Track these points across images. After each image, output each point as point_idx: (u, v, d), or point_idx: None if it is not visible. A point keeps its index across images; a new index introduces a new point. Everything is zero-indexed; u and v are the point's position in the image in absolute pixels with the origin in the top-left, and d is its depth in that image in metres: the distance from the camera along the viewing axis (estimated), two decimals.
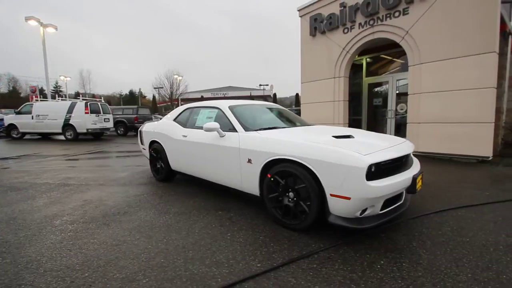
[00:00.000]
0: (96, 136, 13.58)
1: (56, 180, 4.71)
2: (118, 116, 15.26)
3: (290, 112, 4.24)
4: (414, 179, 2.37)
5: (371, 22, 6.68)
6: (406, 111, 7.41)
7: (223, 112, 3.41)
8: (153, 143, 4.57)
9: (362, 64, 8.39)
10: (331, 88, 7.81)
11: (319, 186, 2.29)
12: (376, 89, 8.29)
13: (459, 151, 5.53)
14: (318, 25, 7.86)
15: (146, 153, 4.87)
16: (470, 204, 3.10)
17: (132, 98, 56.09)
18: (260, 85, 47.89)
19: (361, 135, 2.87)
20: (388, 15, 6.33)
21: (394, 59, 8.02)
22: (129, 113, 15.58)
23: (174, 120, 4.24)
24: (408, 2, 5.91)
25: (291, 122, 3.71)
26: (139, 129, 5.09)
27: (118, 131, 15.46)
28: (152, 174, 4.71)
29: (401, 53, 7.06)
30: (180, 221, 2.80)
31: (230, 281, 1.77)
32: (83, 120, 11.85)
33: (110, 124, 13.45)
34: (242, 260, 2.03)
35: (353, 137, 2.68)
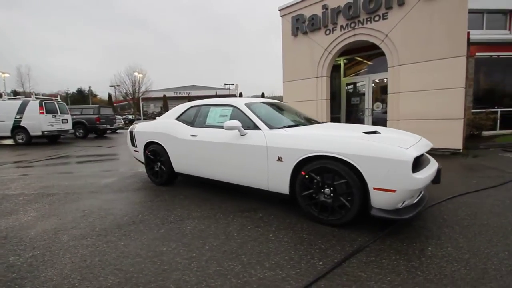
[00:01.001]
0: (52, 139, 12.09)
1: (31, 190, 4.08)
2: (76, 116, 13.78)
3: (296, 109, 4.26)
4: (439, 170, 2.57)
5: (353, 25, 7.06)
6: (382, 109, 8.00)
7: (241, 110, 3.29)
8: (150, 144, 4.22)
9: (340, 65, 8.81)
10: (313, 88, 8.06)
11: (361, 181, 2.34)
12: (353, 89, 8.78)
13: (434, 145, 6.11)
14: (300, 26, 8.05)
15: (139, 155, 4.49)
16: (467, 191, 3.46)
17: (82, 97, 50.93)
18: (225, 84, 47.41)
19: (385, 131, 3.01)
20: (368, 19, 6.74)
21: (366, 61, 8.59)
22: (90, 113, 14.18)
23: (177, 119, 3.97)
24: (388, 8, 6.37)
25: (305, 119, 3.74)
26: (129, 130, 4.66)
27: (77, 133, 13.98)
28: (149, 178, 4.36)
29: (377, 55, 7.59)
30: (210, 226, 2.63)
31: (305, 283, 1.71)
32: (37, 122, 10.46)
33: (68, 126, 12.10)
34: (301, 260, 1.99)
35: (379, 132, 2.80)
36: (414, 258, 1.98)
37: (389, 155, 2.21)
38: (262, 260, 1.99)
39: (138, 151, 4.51)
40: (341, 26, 7.27)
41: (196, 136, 3.53)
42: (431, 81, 5.95)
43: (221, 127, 3.38)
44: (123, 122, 20.02)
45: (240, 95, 46.95)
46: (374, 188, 2.28)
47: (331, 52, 7.62)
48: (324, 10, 7.48)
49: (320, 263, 1.95)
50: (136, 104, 25.93)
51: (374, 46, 7.21)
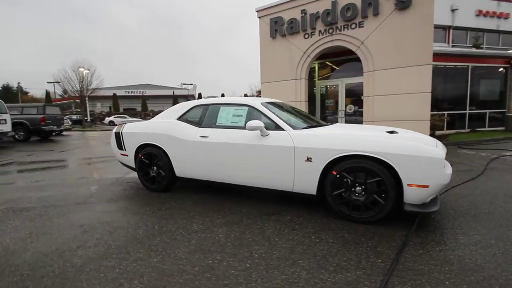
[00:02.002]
0: None
1: None
2: (15, 116, 11.78)
3: (298, 108, 4.28)
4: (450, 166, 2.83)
5: (331, 31, 7.42)
6: (354, 111, 8.57)
7: (258, 110, 3.18)
8: (143, 147, 3.81)
9: (315, 68, 9.18)
10: (292, 89, 8.25)
11: (395, 178, 2.45)
12: (327, 91, 9.22)
13: None
14: (279, 28, 8.16)
15: (129, 160, 4.02)
16: (455, 184, 3.88)
17: (8, 95, 43.56)
18: (184, 84, 45.58)
19: (401, 131, 3.19)
20: (346, 26, 7.16)
21: (334, 67, 9.13)
22: (32, 113, 12.27)
23: (179, 119, 3.65)
24: (363, 17, 6.85)
25: (314, 120, 3.78)
26: (116, 131, 4.14)
27: (17, 136, 11.96)
28: (143, 184, 3.93)
29: (352, 60, 8.11)
30: (244, 232, 2.47)
31: (379, 283, 1.71)
32: None
33: (7, 127, 10.30)
34: (360, 260, 1.98)
35: (397, 132, 2.97)
36: (455, 247, 2.13)
37: (425, 153, 2.35)
38: (323, 264, 1.94)
39: (127, 155, 4.03)
40: (320, 31, 7.58)
41: (207, 137, 3.30)
42: (403, 85, 6.57)
43: (236, 127, 3.24)
44: (70, 123, 17.70)
45: (199, 96, 45.64)
46: (408, 185, 2.40)
47: (309, 55, 7.89)
48: (303, 14, 7.71)
49: (379, 261, 1.97)
50: (83, 103, 23.20)
51: (349, 52, 7.69)
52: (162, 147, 3.61)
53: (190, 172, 3.50)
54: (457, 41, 13.18)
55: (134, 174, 4.79)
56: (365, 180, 2.55)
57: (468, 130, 10.18)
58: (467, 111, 10.32)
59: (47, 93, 41.69)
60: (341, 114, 8.64)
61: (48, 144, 10.98)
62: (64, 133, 16.45)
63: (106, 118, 34.38)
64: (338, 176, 2.63)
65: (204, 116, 3.51)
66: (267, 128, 3.00)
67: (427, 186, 2.36)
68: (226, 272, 1.86)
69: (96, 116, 37.80)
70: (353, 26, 7.06)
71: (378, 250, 2.12)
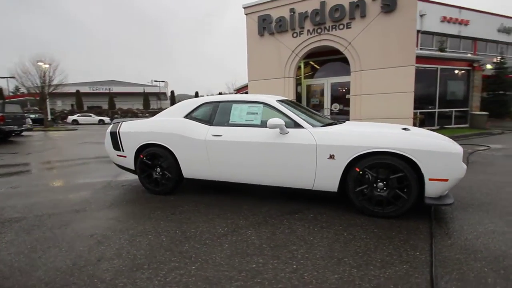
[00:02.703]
0: None
1: None
2: None
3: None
4: None
5: (319, 31, 7.56)
6: (339, 110, 8.85)
7: (275, 108, 3.12)
8: (146, 147, 3.56)
9: (300, 66, 9.31)
10: (281, 88, 8.28)
11: (417, 173, 2.55)
12: (313, 90, 9.41)
13: None
14: (268, 26, 8.14)
15: (127, 161, 3.74)
16: None
17: None
18: (155, 81, 43.66)
19: (411, 128, 3.31)
20: (334, 26, 7.35)
21: (316, 66, 9.37)
22: None
23: (186, 117, 3.46)
24: (351, 18, 7.08)
25: (325, 118, 3.81)
26: (111, 131, 3.81)
27: None
28: (145, 187, 3.67)
29: (337, 60, 8.35)
30: (275, 233, 2.41)
31: (428, 274, 1.76)
32: None
33: None
34: (402, 254, 2.02)
35: (409, 129, 3.10)
36: (477, 236, 2.26)
37: (446, 149, 2.48)
38: (368, 260, 1.95)
39: (125, 156, 3.74)
40: (308, 31, 7.70)
41: (220, 136, 3.17)
42: (388, 85, 6.91)
43: (251, 125, 3.15)
44: (31, 122, 15.99)
45: (172, 93, 43.97)
46: (430, 179, 2.51)
47: (298, 54, 7.98)
48: (292, 13, 7.77)
49: (417, 253, 2.03)
50: (44, 100, 21.13)
51: (334, 52, 7.91)
52: (169, 147, 3.40)
53: (200, 173, 3.34)
54: (424, 44, 14.23)
55: (128, 177, 4.49)
56: (388, 176, 2.62)
57: (437, 127, 11.03)
58: (437, 110, 11.18)
59: (0, 90, 37.45)
60: (326, 112, 8.87)
61: (9, 146, 9.86)
62: (24, 133, 14.89)
63: (69, 116, 31.81)
64: (361, 172, 2.68)
65: (215, 114, 3.36)
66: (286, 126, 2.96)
67: (446, 180, 2.49)
68: (276, 275, 1.79)
69: (57, 114, 34.84)
70: (341, 26, 7.26)
71: (412, 243, 2.18)
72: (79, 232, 2.50)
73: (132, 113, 38.06)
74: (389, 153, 2.59)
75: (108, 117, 33.33)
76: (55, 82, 20.29)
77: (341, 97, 8.76)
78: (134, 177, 4.45)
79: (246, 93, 18.59)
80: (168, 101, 45.04)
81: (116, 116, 35.82)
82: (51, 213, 2.98)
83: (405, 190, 2.58)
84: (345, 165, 2.71)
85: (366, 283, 1.69)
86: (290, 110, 3.10)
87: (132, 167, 3.73)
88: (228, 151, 3.13)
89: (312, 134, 2.84)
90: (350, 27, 7.18)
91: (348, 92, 8.36)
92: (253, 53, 8.60)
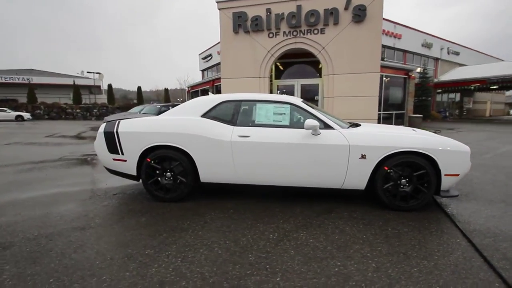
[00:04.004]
0: None
1: None
2: None
3: None
4: None
5: (294, 33, 7.81)
6: None
7: (302, 108, 3.12)
8: (153, 149, 3.16)
9: (272, 67, 9.45)
10: (256, 87, 8.29)
11: (436, 169, 2.89)
12: (283, 90, 9.67)
13: None
14: (243, 24, 8.03)
15: (127, 166, 3.26)
16: None
17: None
18: (88, 72, 38.26)
19: (417, 130, 3.69)
20: (309, 31, 7.68)
21: (281, 68, 9.72)
22: None
23: (204, 116, 3.19)
24: (325, 24, 7.52)
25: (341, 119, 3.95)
26: (106, 130, 3.25)
27: None
28: (151, 195, 3.25)
29: (309, 62, 8.76)
30: (328, 234, 2.43)
31: (481, 260, 2.03)
32: None
33: None
34: (449, 244, 2.27)
35: (415, 130, 3.47)
36: (488, 220, 2.70)
37: (459, 148, 2.87)
38: (428, 251, 2.12)
39: (124, 160, 3.25)
40: (284, 32, 7.87)
41: (248, 136, 3.02)
42: (356, 89, 7.58)
43: (279, 126, 3.10)
44: None
45: (110, 87, 39.15)
46: (445, 175, 2.88)
47: (273, 54, 8.09)
48: (268, 13, 7.83)
49: (458, 240, 2.31)
50: None
51: (306, 54, 8.29)
52: (185, 149, 3.09)
53: (223, 176, 3.13)
54: None
55: (111, 183, 3.94)
56: (411, 173, 2.90)
57: None
58: (382, 112, 12.74)
59: None
60: None
61: None
62: None
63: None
64: (389, 171, 2.90)
65: (238, 114, 3.18)
66: None
67: (458, 175, 2.90)
68: (365, 276, 1.82)
69: None
70: (316, 31, 7.65)
71: (448, 232, 2.47)
72: (107, 254, 2.08)
73: (58, 107, 32.67)
74: (414, 153, 2.86)
75: (28, 112, 28.08)
76: None
77: (310, 98, 9.22)
78: (121, 183, 3.93)
79: (206, 90, 17.97)
80: (104, 95, 40.16)
81: (38, 111, 30.47)
82: (48, 234, 2.40)
83: (425, 185, 2.90)
84: (375, 164, 2.89)
85: (444, 271, 1.86)
86: (317, 111, 3.15)
87: (133, 173, 3.27)
88: (258, 152, 3.01)
89: (344, 135, 2.95)
90: (324, 33, 7.62)
91: (316, 93, 8.86)
92: (227, 50, 8.37)
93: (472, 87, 20.20)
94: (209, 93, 4.01)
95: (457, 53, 22.15)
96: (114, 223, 2.65)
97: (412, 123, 12.86)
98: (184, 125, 3.12)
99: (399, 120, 13.50)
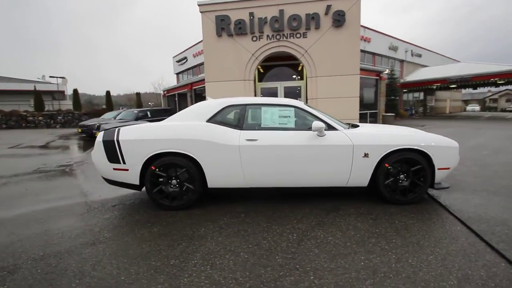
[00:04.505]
0: None
1: None
2: None
3: None
4: None
5: (278, 37, 7.97)
6: None
7: (306, 111, 3.23)
8: (156, 157, 3.07)
9: (255, 71, 9.53)
10: (241, 90, 8.32)
11: (430, 164, 3.13)
12: (267, 93, 9.79)
13: None
14: (226, 27, 8.03)
15: (129, 175, 3.14)
16: None
17: None
18: (51, 76, 35.39)
19: (410, 128, 3.95)
20: (291, 34, 7.89)
21: (261, 70, 9.90)
22: None
23: (209, 121, 3.16)
24: (307, 28, 7.77)
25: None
26: (105, 139, 3.09)
27: None
28: (157, 204, 3.15)
29: (291, 65, 8.97)
30: (343, 231, 2.54)
31: (484, 242, 2.25)
32: None
33: None
34: (450, 230, 2.48)
35: (408, 129, 3.73)
36: (477, 208, 2.98)
37: (450, 144, 3.14)
38: (438, 240, 2.31)
39: (126, 170, 3.12)
40: (267, 36, 8.01)
41: (255, 140, 3.05)
42: (338, 91, 7.92)
43: (285, 128, 3.18)
44: None
45: (75, 92, 36.42)
46: (439, 169, 3.14)
47: (257, 58, 8.19)
48: (251, 17, 7.91)
49: (458, 228, 2.53)
50: None
51: (288, 57, 8.50)
52: (192, 155, 3.04)
53: (231, 181, 3.13)
54: None
55: (110, 194, 3.78)
56: (408, 169, 3.12)
57: None
58: (358, 112, 13.37)
59: None
60: None
61: None
62: None
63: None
64: (389, 167, 3.10)
65: (244, 118, 3.20)
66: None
67: (448, 168, 3.17)
68: (390, 267, 1.94)
69: None
70: (298, 35, 7.87)
71: (447, 221, 2.69)
72: (131, 268, 2.00)
73: (18, 115, 29.83)
74: (411, 150, 3.09)
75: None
76: None
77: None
78: (115, 193, 3.77)
79: (183, 94, 17.59)
80: (69, 101, 37.48)
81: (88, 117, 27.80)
82: (55, 252, 2.24)
83: (422, 179, 3.13)
84: (377, 162, 3.07)
85: (456, 257, 2.04)
86: (320, 113, 3.27)
87: (136, 182, 3.15)
88: (266, 155, 3.05)
89: (347, 135, 3.09)
90: (306, 37, 7.87)
91: (299, 95, 9.10)
92: (210, 53, 8.31)
93: (435, 87, 21.95)
94: (208, 98, 3.97)
95: (420, 55, 23.95)
96: (125, 235, 2.54)
97: (385, 122, 13.67)
98: (190, 131, 3.08)
99: (373, 119, 14.26)
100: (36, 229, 2.72)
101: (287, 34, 8.01)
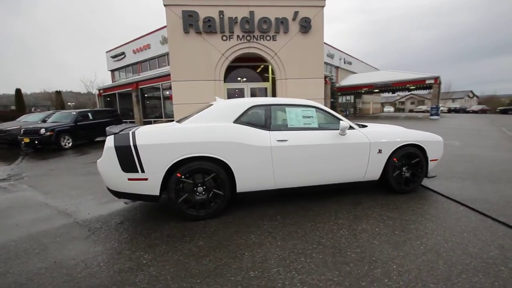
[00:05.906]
0: None
1: None
2: None
3: None
4: None
5: (248, 38, 7.98)
6: None
7: (326, 111, 3.37)
8: (184, 162, 2.77)
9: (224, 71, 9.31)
10: (211, 90, 8.03)
11: (425, 157, 3.65)
12: (233, 94, 9.67)
13: None
14: (195, 24, 7.64)
15: (149, 185, 2.75)
16: None
17: None
18: None
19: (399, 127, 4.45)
20: (261, 36, 8.01)
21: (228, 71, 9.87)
22: None
23: (236, 122, 2.99)
24: (276, 32, 8.00)
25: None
26: (118, 145, 2.62)
27: None
28: (185, 214, 2.83)
29: (258, 67, 9.08)
30: (378, 224, 2.75)
31: (480, 213, 2.76)
32: None
33: None
34: (454, 209, 2.96)
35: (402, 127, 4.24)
36: (461, 191, 3.62)
37: (438, 139, 3.72)
38: (455, 221, 2.73)
39: (145, 179, 2.71)
40: (238, 36, 7.94)
41: (286, 141, 3.03)
42: (305, 93, 8.38)
43: (310, 128, 3.26)
44: None
45: (18, 92, 28.31)
46: (431, 160, 3.69)
47: (228, 58, 8.03)
48: (221, 16, 7.72)
49: (461, 208, 3.04)
50: None
51: (255, 59, 8.62)
52: (222, 159, 2.84)
53: (262, 183, 3.03)
54: None
55: (98, 210, 3.29)
56: (409, 161, 3.58)
57: None
58: None
59: None
60: None
61: None
62: None
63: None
64: (397, 161, 3.49)
65: (270, 118, 3.14)
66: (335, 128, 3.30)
67: (437, 160, 3.76)
68: (445, 246, 2.21)
69: None
70: (268, 38, 8.04)
71: (450, 203, 3.20)
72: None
73: None
74: (413, 145, 3.54)
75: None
76: None
77: None
78: (108, 209, 3.30)
79: (127, 93, 15.84)
80: None
81: None
82: (95, 286, 1.81)
83: (419, 170, 3.63)
84: (387, 157, 3.43)
85: (477, 230, 2.45)
86: (338, 114, 3.45)
87: (155, 193, 2.77)
88: (296, 156, 3.07)
89: (364, 134, 3.36)
90: (275, 40, 8.10)
91: (265, 96, 9.30)
92: (177, 50, 7.76)
93: (363, 91, 25.26)
94: (216, 98, 3.74)
95: (350, 63, 27.24)
96: (171, 253, 2.21)
97: None
98: (219, 133, 2.87)
99: None
100: (39, 263, 2.13)
101: (257, 36, 8.09)
